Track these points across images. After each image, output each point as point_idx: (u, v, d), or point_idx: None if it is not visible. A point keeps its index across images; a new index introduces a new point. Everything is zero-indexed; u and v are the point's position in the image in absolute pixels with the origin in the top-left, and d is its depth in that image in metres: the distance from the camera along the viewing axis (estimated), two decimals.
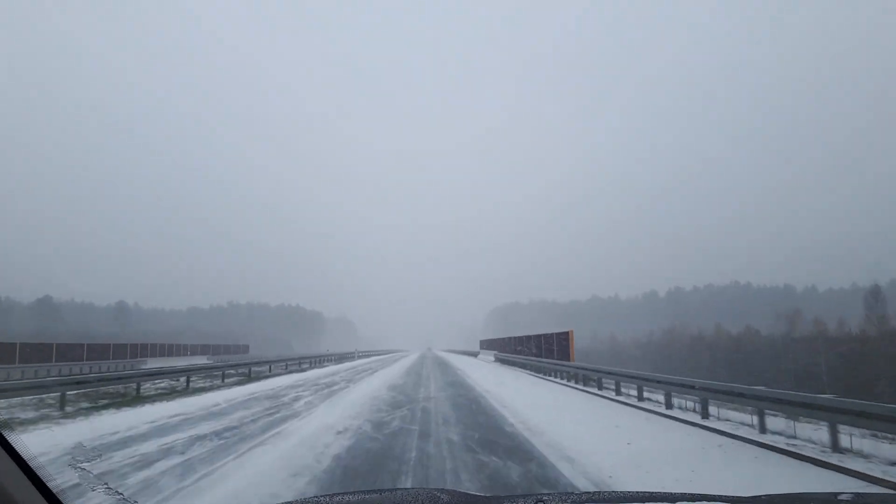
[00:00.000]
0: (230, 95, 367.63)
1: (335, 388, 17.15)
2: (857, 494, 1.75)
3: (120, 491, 5.05)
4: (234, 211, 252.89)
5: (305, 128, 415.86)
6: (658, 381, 11.72)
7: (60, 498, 1.32)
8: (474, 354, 55.82)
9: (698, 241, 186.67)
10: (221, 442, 7.75)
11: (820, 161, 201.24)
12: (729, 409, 9.77)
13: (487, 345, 54.71)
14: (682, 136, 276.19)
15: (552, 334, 26.18)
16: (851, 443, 6.83)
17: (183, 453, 6.92)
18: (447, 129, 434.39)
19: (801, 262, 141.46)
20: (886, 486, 5.29)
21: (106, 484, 4.89)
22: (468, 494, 2.03)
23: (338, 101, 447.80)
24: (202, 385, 18.47)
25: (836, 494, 1.73)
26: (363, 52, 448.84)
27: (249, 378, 21.47)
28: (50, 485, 1.31)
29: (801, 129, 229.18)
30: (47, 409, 11.56)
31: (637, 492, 1.78)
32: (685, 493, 1.62)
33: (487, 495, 2.16)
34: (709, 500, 1.49)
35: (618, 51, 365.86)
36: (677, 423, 9.63)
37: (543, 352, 26.95)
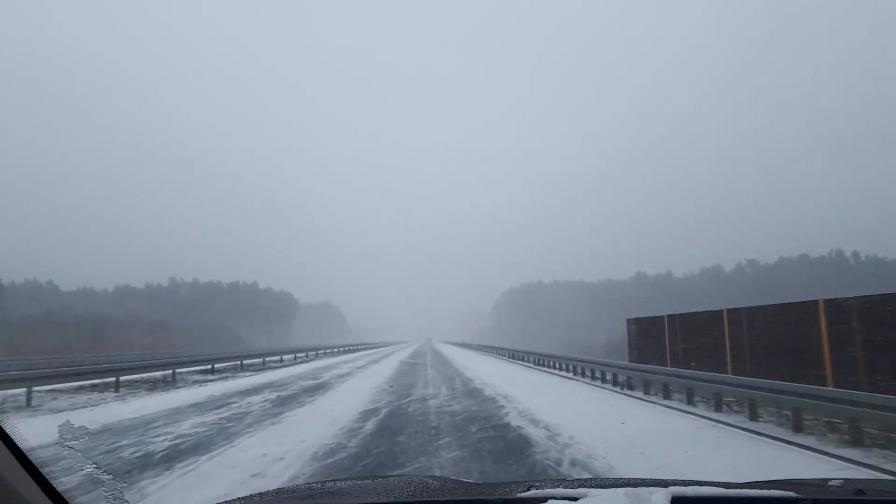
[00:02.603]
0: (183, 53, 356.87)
1: None
2: (847, 480, 1.77)
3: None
4: (205, 189, 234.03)
5: (283, 105, 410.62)
6: None
7: (65, 495, 1.26)
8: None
9: (793, 208, 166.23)
10: None
11: None
12: None
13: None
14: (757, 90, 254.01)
15: None
16: None
17: None
18: (450, 120, 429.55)
19: None
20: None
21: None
22: (457, 480, 2.04)
23: (318, 79, 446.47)
24: None
25: (826, 480, 1.77)
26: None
27: None
28: (49, 477, 1.22)
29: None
30: None
31: (629, 478, 1.76)
32: (677, 479, 1.58)
33: (478, 482, 2.14)
34: (701, 486, 1.44)
35: (645, 21, 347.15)
36: None
37: None
